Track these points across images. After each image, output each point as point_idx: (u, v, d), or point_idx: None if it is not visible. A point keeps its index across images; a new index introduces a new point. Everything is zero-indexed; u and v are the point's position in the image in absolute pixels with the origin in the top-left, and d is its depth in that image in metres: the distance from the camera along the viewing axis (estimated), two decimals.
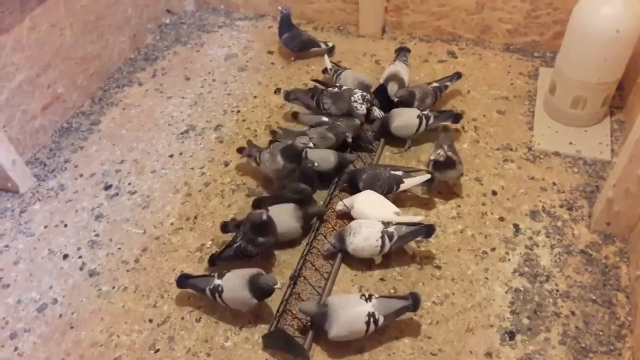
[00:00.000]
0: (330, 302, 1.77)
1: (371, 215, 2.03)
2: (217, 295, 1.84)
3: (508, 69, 2.85)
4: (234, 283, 1.83)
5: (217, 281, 1.86)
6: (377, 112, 2.51)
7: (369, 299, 1.76)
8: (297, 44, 2.94)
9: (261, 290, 1.80)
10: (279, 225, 1.99)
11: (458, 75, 2.60)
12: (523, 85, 2.75)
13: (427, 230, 1.95)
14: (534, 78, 2.78)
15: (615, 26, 2.14)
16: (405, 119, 2.39)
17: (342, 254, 2.03)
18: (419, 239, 2.01)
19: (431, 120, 2.38)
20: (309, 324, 1.84)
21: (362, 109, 2.47)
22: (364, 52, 3.03)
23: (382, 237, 1.91)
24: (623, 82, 2.50)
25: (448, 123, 2.46)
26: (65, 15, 2.62)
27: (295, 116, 2.54)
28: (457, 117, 2.42)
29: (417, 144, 2.48)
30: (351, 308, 1.75)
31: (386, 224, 1.95)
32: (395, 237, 1.92)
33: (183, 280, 1.94)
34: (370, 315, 1.72)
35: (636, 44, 2.24)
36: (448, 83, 2.59)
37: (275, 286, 1.80)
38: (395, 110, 2.44)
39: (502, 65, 2.87)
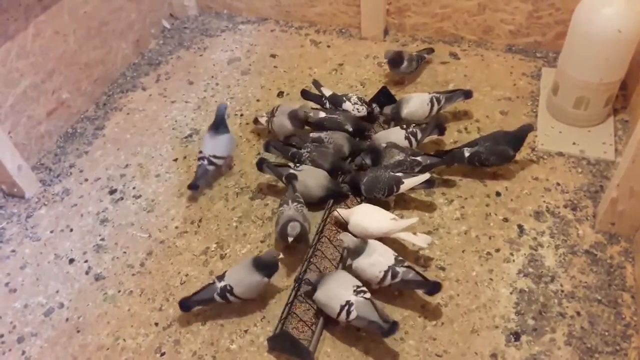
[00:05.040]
0: (333, 273, 1.87)
1: (368, 226, 2.02)
2: None
3: (510, 70, 2.85)
4: None
5: None
6: (376, 109, 2.54)
7: (358, 292, 1.77)
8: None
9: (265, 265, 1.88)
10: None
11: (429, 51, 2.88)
12: (526, 86, 2.75)
13: (432, 288, 1.85)
14: (537, 78, 2.77)
15: (617, 26, 2.14)
16: (416, 103, 2.44)
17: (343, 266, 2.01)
18: (420, 290, 1.92)
19: (442, 102, 2.45)
20: (314, 326, 1.85)
21: (362, 110, 2.49)
22: (367, 55, 3.04)
23: (387, 272, 1.85)
24: (626, 81, 2.49)
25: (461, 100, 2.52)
26: (69, 22, 2.64)
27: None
28: (468, 93, 2.49)
29: None
30: (339, 289, 1.79)
31: (399, 261, 1.88)
32: (399, 279, 1.85)
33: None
34: (348, 304, 1.74)
35: (638, 43, 2.23)
36: (425, 55, 2.85)
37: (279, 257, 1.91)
38: (404, 96, 2.49)
39: (504, 66, 2.88)
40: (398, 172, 2.17)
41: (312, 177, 2.19)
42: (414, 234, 2.00)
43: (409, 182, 2.13)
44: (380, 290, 1.93)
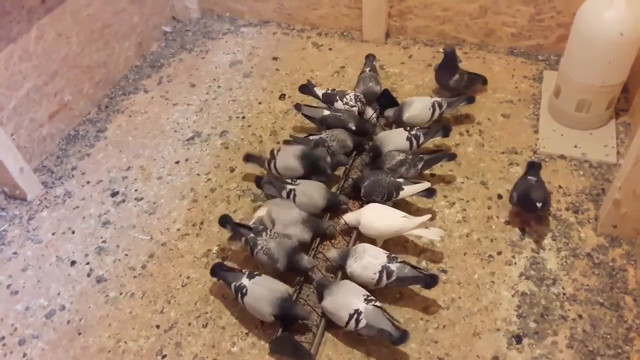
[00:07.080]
0: (341, 282, 1.87)
1: (380, 226, 2.01)
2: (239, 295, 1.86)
3: (512, 73, 2.85)
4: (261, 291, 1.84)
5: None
6: (370, 112, 2.54)
7: (369, 301, 1.77)
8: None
9: (287, 316, 1.81)
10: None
11: None
12: (527, 89, 2.75)
13: (429, 281, 1.86)
14: (539, 81, 2.78)
15: (619, 29, 2.14)
16: (417, 107, 2.44)
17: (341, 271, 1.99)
18: (418, 285, 1.92)
19: (444, 107, 2.45)
20: (315, 329, 1.84)
21: (354, 110, 2.50)
22: None
23: (381, 272, 1.85)
24: (628, 84, 2.49)
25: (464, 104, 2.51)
26: (72, 24, 2.64)
27: (298, 107, 2.56)
28: (470, 99, 2.50)
29: None
30: (348, 297, 1.79)
31: (392, 258, 1.88)
32: (394, 277, 1.85)
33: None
34: (357, 312, 1.74)
35: None
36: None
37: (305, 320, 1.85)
38: (406, 100, 2.49)
39: (506, 69, 2.88)
40: (402, 171, 2.19)
41: (313, 188, 2.16)
42: (426, 227, 2.00)
43: (408, 189, 2.13)
44: (381, 292, 1.93)
